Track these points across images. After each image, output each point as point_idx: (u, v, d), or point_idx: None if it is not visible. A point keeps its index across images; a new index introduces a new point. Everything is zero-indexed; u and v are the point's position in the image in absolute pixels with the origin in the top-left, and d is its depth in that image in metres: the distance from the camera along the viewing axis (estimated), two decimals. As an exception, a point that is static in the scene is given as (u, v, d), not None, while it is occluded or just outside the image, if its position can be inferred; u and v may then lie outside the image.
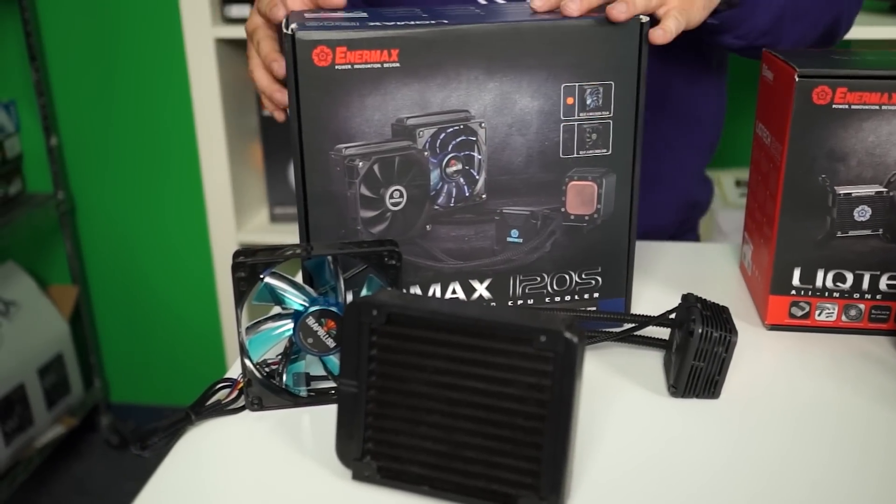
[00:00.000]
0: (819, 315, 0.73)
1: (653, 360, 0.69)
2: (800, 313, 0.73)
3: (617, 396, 0.64)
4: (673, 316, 0.67)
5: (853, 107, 0.67)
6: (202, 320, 2.01)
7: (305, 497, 0.54)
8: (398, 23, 0.63)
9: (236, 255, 0.61)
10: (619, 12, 0.64)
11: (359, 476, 0.55)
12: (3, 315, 1.84)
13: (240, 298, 0.61)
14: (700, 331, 0.61)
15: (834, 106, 0.67)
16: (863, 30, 1.24)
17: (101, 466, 1.99)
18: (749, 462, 0.57)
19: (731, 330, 0.62)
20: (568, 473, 0.51)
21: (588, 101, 0.67)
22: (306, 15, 0.68)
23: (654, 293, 0.80)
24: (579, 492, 0.54)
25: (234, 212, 1.51)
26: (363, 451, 0.54)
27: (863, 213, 0.70)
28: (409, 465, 0.54)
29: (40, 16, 1.87)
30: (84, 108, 1.93)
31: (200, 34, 1.40)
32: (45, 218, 1.99)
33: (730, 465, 0.57)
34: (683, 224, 1.02)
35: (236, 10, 1.42)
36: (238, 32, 1.42)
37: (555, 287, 0.72)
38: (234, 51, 1.48)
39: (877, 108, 0.67)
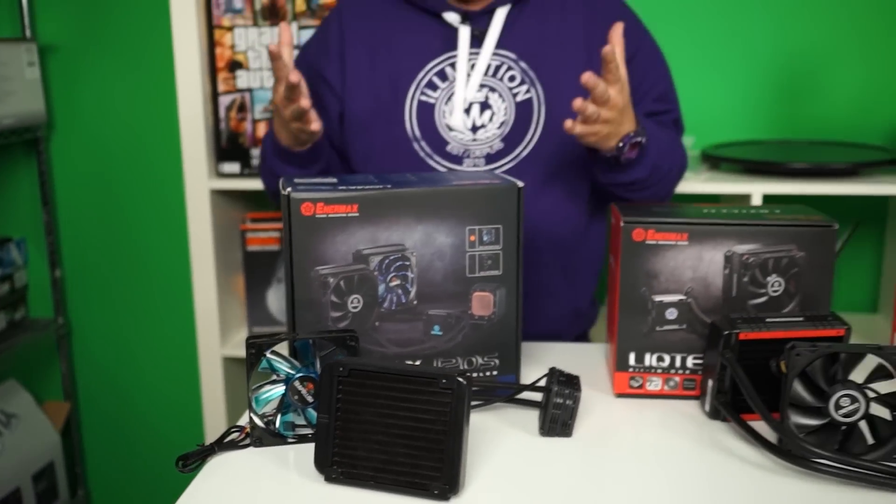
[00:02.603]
0: (649, 385, 1.05)
1: (533, 414, 1.00)
2: (636, 384, 1.05)
3: (504, 434, 0.95)
4: (542, 383, 0.98)
5: (659, 242, 1.01)
6: (185, 439, 2.26)
7: (294, 492, 0.83)
8: (357, 187, 0.97)
9: (248, 339, 0.92)
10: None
11: (329, 478, 0.84)
12: (4, 426, 2.08)
13: (250, 368, 0.91)
14: (555, 388, 0.93)
15: (647, 242, 1.01)
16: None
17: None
18: (590, 479, 0.87)
19: (577, 388, 0.94)
20: (462, 469, 0.81)
21: (485, 238, 1.01)
22: (296, 182, 1.01)
23: (541, 373, 1.12)
24: (472, 484, 0.84)
25: (220, 331, 1.80)
26: (332, 462, 0.84)
27: (672, 314, 1.03)
28: (362, 469, 0.83)
29: (54, 164, 2.20)
30: (87, 245, 2.24)
31: (198, 186, 1.73)
32: (45, 341, 2.27)
33: (576, 477, 0.87)
34: (578, 334, 1.35)
35: (227, 167, 1.76)
36: (229, 185, 1.75)
37: (465, 366, 1.03)
38: (225, 199, 1.81)
39: (674, 243, 1.01)
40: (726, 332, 0.95)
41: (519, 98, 1.26)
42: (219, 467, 0.89)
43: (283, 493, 0.83)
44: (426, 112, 1.26)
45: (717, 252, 1.01)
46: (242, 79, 1.72)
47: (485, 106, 1.26)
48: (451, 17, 1.26)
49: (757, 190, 1.59)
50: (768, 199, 1.62)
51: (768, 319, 0.97)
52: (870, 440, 0.89)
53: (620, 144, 1.16)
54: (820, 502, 0.81)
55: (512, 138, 1.26)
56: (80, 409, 2.33)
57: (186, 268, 2.13)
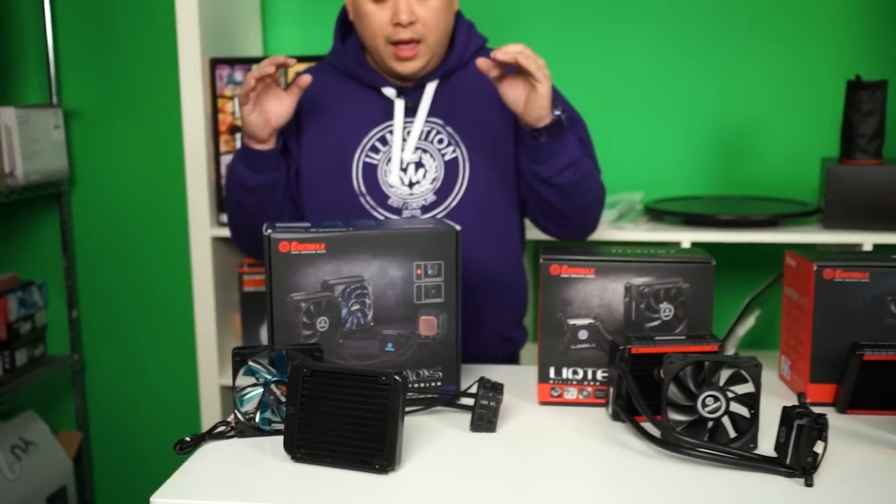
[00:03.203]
0: (567, 395, 1.27)
1: (467, 417, 1.21)
2: (556, 394, 1.27)
3: (440, 430, 1.17)
4: (473, 390, 1.20)
5: (571, 276, 1.24)
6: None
7: (267, 469, 1.05)
8: (324, 230, 1.21)
9: (234, 349, 1.14)
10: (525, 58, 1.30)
11: (295, 458, 1.06)
12: (24, 452, 2.30)
13: (235, 373, 1.14)
14: (481, 392, 1.15)
15: (562, 275, 1.24)
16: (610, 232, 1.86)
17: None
18: (509, 465, 1.09)
19: (500, 392, 1.16)
20: (399, 448, 1.02)
21: (429, 272, 1.24)
22: (276, 225, 1.25)
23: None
24: (409, 463, 1.05)
25: (218, 363, 2.03)
26: (297, 444, 1.06)
27: (583, 334, 1.25)
28: (321, 450, 1.05)
29: (74, 215, 2.45)
30: (102, 288, 2.48)
31: (201, 233, 1.98)
32: (61, 375, 2.49)
33: (497, 462, 1.09)
34: (506, 357, 1.58)
35: (227, 218, 2.00)
36: (228, 233, 1.99)
37: (414, 378, 1.25)
38: (225, 246, 2.05)
39: (583, 276, 1.24)
40: (621, 348, 1.17)
41: (447, 157, 1.51)
42: (208, 452, 1.11)
43: (259, 470, 1.05)
44: (370, 172, 1.51)
45: (619, 284, 1.24)
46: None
47: (419, 165, 1.51)
48: (389, 92, 1.52)
49: (686, 238, 1.82)
50: (696, 245, 1.84)
51: (657, 337, 1.19)
52: (732, 433, 1.11)
53: (556, 113, 1.38)
54: (694, 481, 1.02)
55: (443, 191, 1.51)
56: (91, 439, 2.55)
57: (190, 307, 2.36)
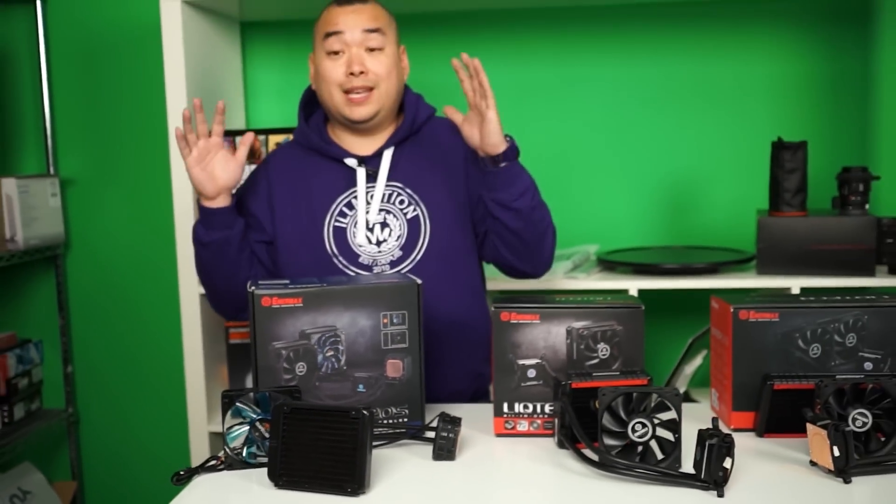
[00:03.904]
0: (519, 427, 1.43)
1: (430, 448, 1.37)
2: (510, 426, 1.43)
3: (405, 459, 1.32)
4: (434, 423, 1.37)
5: (520, 321, 1.41)
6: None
7: (253, 495, 1.20)
8: (302, 286, 1.38)
9: (224, 392, 1.30)
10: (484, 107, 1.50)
11: (277, 485, 1.21)
12: (21, 501, 2.43)
13: (224, 413, 1.30)
14: (441, 425, 1.31)
15: (511, 321, 1.41)
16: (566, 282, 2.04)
17: None
18: (467, 486, 1.25)
19: (458, 425, 1.32)
20: (368, 474, 1.18)
21: (395, 321, 1.41)
22: (259, 283, 1.41)
23: (444, 424, 1.50)
24: (377, 487, 1.21)
25: (207, 411, 2.18)
26: (279, 473, 1.21)
27: (532, 373, 1.42)
28: (300, 477, 1.21)
29: (69, 277, 2.61)
30: (95, 345, 2.63)
31: (191, 291, 2.14)
32: (56, 428, 2.63)
33: (456, 485, 1.24)
34: (476, 392, 1.74)
35: (214, 276, 2.17)
36: (215, 290, 2.16)
37: (383, 415, 1.41)
38: (211, 302, 2.22)
39: (530, 322, 1.41)
40: (563, 383, 1.34)
41: (409, 216, 1.69)
42: (201, 483, 1.26)
43: (247, 496, 1.21)
44: (340, 234, 1.68)
45: (561, 327, 1.41)
46: (227, 205, 2.15)
47: (384, 225, 1.68)
48: (351, 162, 1.70)
49: (634, 286, 2.00)
50: (642, 293, 2.02)
51: (595, 374, 1.36)
52: (659, 454, 1.27)
53: (507, 137, 1.58)
54: (627, 497, 1.18)
55: (408, 247, 1.68)
56: (85, 488, 2.67)
57: (178, 360, 2.51)
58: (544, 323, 1.41)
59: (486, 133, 1.56)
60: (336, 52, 1.66)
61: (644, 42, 2.36)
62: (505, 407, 1.43)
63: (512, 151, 1.60)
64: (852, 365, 1.40)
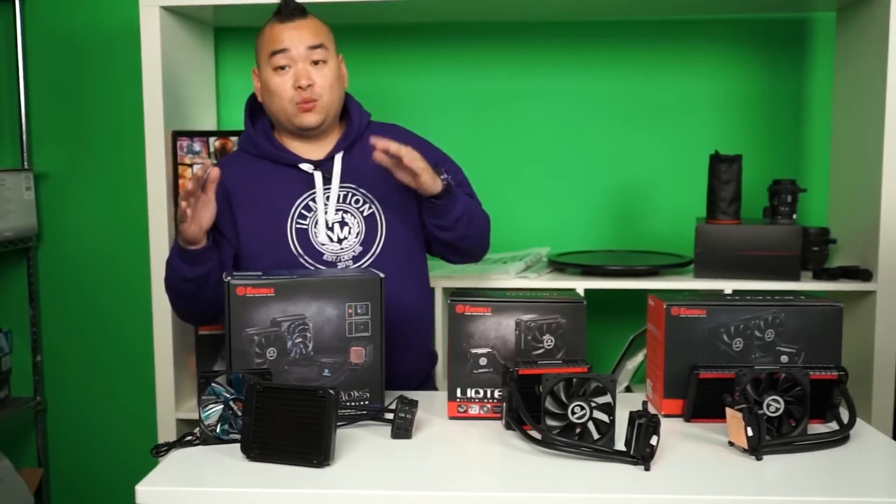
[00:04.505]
0: (471, 410, 1.56)
1: (389, 429, 1.50)
2: (462, 410, 1.56)
3: (367, 438, 1.45)
4: (393, 406, 1.49)
5: (473, 313, 1.55)
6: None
7: (226, 466, 1.32)
8: (274, 277, 1.50)
9: (200, 373, 1.42)
10: (409, 159, 1.65)
11: (249, 457, 1.33)
12: (-11, 486, 2.50)
13: (201, 393, 1.41)
14: (399, 406, 1.44)
15: (465, 313, 1.55)
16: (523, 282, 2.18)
17: None
18: (423, 462, 1.38)
19: (415, 406, 1.45)
20: (332, 448, 1.31)
21: (358, 311, 1.53)
22: (234, 274, 1.53)
23: (401, 408, 1.63)
24: (340, 461, 1.34)
25: (175, 399, 2.28)
26: (251, 446, 1.33)
27: (483, 361, 1.55)
28: (271, 450, 1.33)
29: (40, 269, 2.69)
30: (64, 336, 2.71)
31: (162, 283, 2.24)
32: (24, 416, 2.70)
33: (412, 461, 1.37)
34: (430, 369, 1.88)
35: (185, 269, 2.27)
36: (185, 283, 2.26)
37: (346, 398, 1.54)
38: (181, 294, 2.32)
39: (482, 314, 1.54)
40: (511, 370, 1.47)
41: (365, 213, 1.82)
42: (178, 456, 1.38)
43: (222, 466, 1.33)
44: (303, 235, 1.80)
45: (511, 319, 1.55)
46: (199, 202, 2.26)
47: (343, 224, 1.81)
48: (306, 167, 1.82)
49: (581, 286, 2.15)
50: (589, 292, 2.17)
51: (540, 362, 1.50)
52: (596, 434, 1.41)
53: (443, 177, 1.73)
54: (567, 472, 1.31)
55: (367, 242, 1.81)
56: (50, 475, 2.75)
57: (147, 351, 2.59)
58: (495, 315, 1.55)
59: (420, 184, 1.71)
60: (282, 67, 1.78)
61: (595, 58, 2.52)
62: (458, 392, 1.56)
63: (446, 190, 1.75)
64: (770, 357, 1.56)
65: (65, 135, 2.65)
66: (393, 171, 1.72)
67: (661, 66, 2.50)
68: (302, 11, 1.81)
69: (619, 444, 1.37)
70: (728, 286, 2.13)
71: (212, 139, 2.24)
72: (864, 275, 2.11)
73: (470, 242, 1.86)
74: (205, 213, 1.67)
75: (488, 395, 1.56)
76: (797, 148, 2.49)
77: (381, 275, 1.55)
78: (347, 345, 1.53)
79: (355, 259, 1.81)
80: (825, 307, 1.56)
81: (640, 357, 2.26)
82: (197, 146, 2.24)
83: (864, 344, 2.14)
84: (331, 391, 1.31)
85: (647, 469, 1.31)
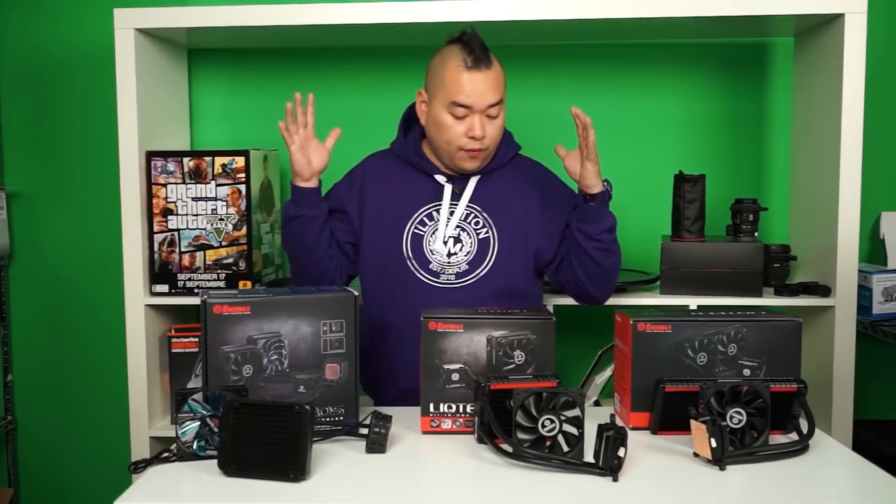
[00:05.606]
0: (444, 425, 1.60)
1: (363, 443, 1.53)
2: (435, 424, 1.60)
3: (342, 453, 1.48)
4: (367, 421, 1.52)
5: (446, 330, 1.58)
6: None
7: (207, 481, 1.34)
8: (250, 296, 1.53)
9: (177, 390, 1.44)
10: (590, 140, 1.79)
11: (226, 473, 1.36)
12: (-41, 506, 2.49)
13: (177, 410, 1.43)
14: (373, 421, 1.47)
15: (438, 330, 1.58)
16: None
17: None
18: (397, 475, 1.41)
19: (389, 422, 1.48)
20: (308, 462, 1.34)
21: (333, 328, 1.57)
22: (210, 293, 1.56)
23: (375, 423, 1.66)
24: (317, 475, 1.36)
25: (148, 417, 2.29)
26: (229, 462, 1.36)
27: (455, 376, 1.59)
28: (247, 466, 1.35)
29: (12, 288, 2.69)
30: (35, 355, 2.71)
31: (135, 302, 2.25)
32: (-6, 435, 2.69)
33: (387, 474, 1.40)
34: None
35: (158, 288, 2.28)
36: (159, 301, 2.27)
37: (321, 414, 1.57)
38: (155, 312, 2.33)
39: (454, 331, 1.58)
40: (482, 385, 1.51)
41: (481, 236, 1.92)
42: (155, 472, 1.40)
43: (200, 482, 1.35)
44: (417, 241, 1.91)
45: (482, 336, 1.59)
46: (172, 221, 2.27)
47: (457, 240, 1.91)
48: (440, 178, 1.94)
49: (550, 303, 2.20)
50: (558, 308, 2.21)
51: (511, 377, 1.54)
52: (565, 447, 1.45)
53: (605, 183, 1.86)
54: (537, 484, 1.35)
55: (475, 263, 1.91)
56: (21, 494, 2.74)
57: (120, 370, 2.60)
58: (467, 332, 1.59)
59: (583, 176, 1.85)
60: (459, 116, 1.87)
61: (561, 81, 2.57)
62: (431, 407, 1.60)
63: (603, 196, 1.87)
64: (733, 371, 1.61)
65: (38, 154, 2.65)
66: (565, 159, 1.87)
67: (627, 88, 2.57)
68: (487, 56, 1.87)
69: (588, 457, 1.42)
70: (693, 302, 2.19)
71: (186, 159, 2.26)
72: (823, 290, 2.18)
73: (607, 265, 1.92)
74: (315, 154, 1.87)
75: (461, 409, 1.60)
76: (759, 167, 2.56)
77: (356, 293, 1.58)
78: (322, 361, 1.56)
79: (458, 276, 1.90)
80: (785, 322, 1.62)
81: (608, 372, 2.30)
82: (171, 166, 2.26)
83: (823, 357, 2.20)
84: (307, 407, 1.34)
85: (616, 480, 1.35)
